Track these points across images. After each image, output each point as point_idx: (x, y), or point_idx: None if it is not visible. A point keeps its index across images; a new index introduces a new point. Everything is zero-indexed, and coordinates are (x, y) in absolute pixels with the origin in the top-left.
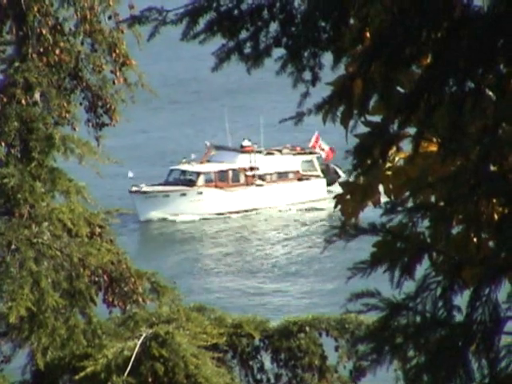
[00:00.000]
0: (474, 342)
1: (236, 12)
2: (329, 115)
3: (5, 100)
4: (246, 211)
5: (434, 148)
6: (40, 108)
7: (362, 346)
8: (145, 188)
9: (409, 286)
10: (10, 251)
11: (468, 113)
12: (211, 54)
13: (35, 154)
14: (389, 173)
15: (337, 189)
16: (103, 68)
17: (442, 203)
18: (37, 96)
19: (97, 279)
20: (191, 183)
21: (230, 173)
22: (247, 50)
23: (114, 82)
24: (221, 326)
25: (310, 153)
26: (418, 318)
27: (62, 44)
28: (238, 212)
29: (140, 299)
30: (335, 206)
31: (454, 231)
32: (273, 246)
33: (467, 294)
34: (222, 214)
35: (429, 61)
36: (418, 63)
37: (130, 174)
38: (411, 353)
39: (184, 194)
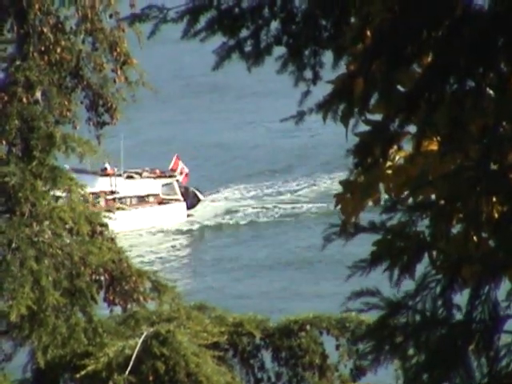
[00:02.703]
0: (474, 340)
1: (237, 10)
2: (329, 114)
3: (6, 98)
4: None
5: (434, 147)
6: (41, 106)
7: (362, 344)
8: None
9: (408, 285)
10: (10, 250)
11: (468, 111)
12: (212, 53)
13: (36, 152)
14: (389, 172)
15: (196, 213)
16: (104, 67)
17: (441, 202)
18: (38, 94)
19: (98, 278)
20: None
21: (90, 197)
22: (248, 49)
23: (114, 81)
24: (221, 325)
25: (170, 176)
26: (418, 317)
27: (63, 43)
28: None
29: (141, 298)
30: (335, 205)
31: (454, 230)
32: None
33: (467, 292)
34: None
35: (429, 60)
36: (418, 62)
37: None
38: (411, 351)
39: None
